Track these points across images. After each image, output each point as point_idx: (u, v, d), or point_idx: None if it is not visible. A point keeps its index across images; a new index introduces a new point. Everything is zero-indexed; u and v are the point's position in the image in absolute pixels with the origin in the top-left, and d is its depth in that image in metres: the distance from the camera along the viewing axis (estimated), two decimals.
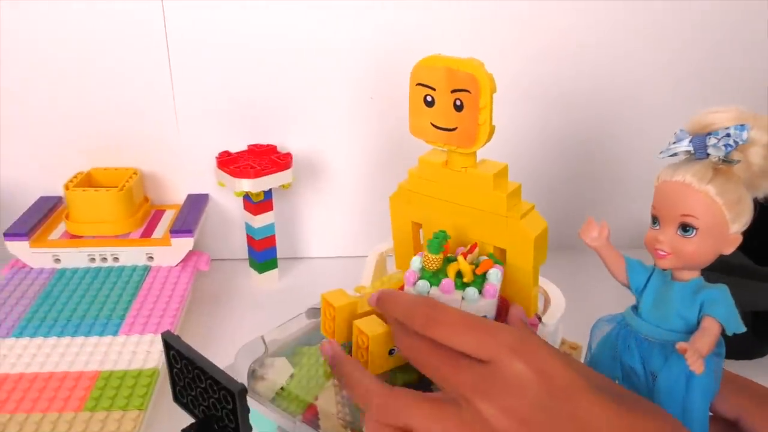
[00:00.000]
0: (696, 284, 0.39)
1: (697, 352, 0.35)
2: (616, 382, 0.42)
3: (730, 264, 0.61)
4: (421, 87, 0.48)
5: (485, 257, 0.49)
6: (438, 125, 0.48)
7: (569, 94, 0.70)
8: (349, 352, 0.46)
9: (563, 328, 0.52)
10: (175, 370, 0.34)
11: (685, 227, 0.37)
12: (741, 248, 0.62)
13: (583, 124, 0.72)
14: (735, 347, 0.59)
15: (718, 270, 0.59)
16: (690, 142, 0.37)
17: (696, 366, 0.34)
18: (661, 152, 0.38)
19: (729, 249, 0.38)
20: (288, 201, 0.74)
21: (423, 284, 0.46)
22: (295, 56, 0.68)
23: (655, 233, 0.38)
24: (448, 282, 0.46)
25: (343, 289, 0.49)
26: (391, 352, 0.45)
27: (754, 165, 0.36)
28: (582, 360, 0.48)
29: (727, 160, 0.36)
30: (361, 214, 0.75)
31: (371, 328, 0.44)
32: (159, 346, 0.55)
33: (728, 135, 0.36)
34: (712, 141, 0.36)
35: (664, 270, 0.40)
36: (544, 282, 0.53)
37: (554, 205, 0.73)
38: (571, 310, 0.52)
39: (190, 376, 0.33)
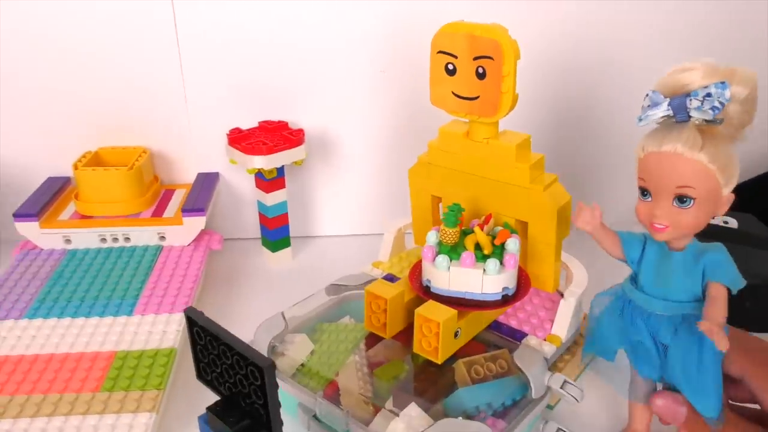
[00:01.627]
0: (694, 250, 0.38)
1: (720, 328, 0.34)
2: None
3: (751, 235, 0.60)
4: (442, 55, 0.47)
5: (500, 227, 0.48)
6: (459, 94, 0.47)
7: (593, 66, 0.68)
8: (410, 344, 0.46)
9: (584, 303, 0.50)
10: (198, 346, 0.33)
11: (681, 198, 0.36)
12: (762, 220, 0.61)
13: (605, 97, 0.70)
14: (756, 320, 0.58)
15: (745, 242, 0.58)
16: (669, 105, 0.36)
17: (722, 342, 0.33)
18: (639, 119, 0.37)
19: (723, 210, 0.37)
20: (300, 178, 0.73)
21: (443, 259, 0.45)
22: (304, 31, 0.67)
23: (649, 206, 0.37)
24: (468, 255, 0.45)
25: (383, 279, 0.48)
26: (456, 335, 0.44)
27: (734, 119, 0.35)
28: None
29: (710, 121, 0.35)
30: (375, 190, 0.74)
31: (437, 313, 0.43)
32: (175, 326, 0.54)
33: (709, 95, 0.34)
34: (694, 103, 0.35)
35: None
36: (565, 257, 0.52)
37: (576, 180, 0.72)
38: (593, 286, 0.51)
39: (215, 353, 0.32)
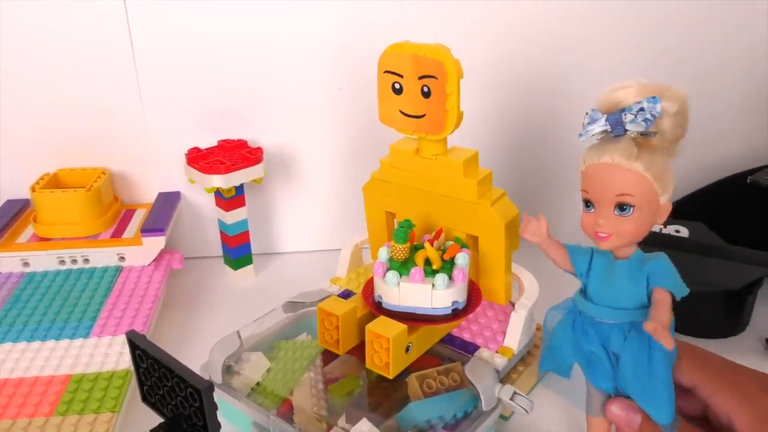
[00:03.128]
0: (638, 258, 0.39)
1: (664, 328, 0.35)
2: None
3: (702, 244, 0.61)
4: (389, 74, 0.48)
5: (451, 242, 0.49)
6: (407, 112, 0.48)
7: (539, 80, 0.70)
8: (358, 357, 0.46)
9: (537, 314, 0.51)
10: (141, 369, 0.33)
11: (621, 207, 0.37)
12: (713, 228, 0.62)
13: (552, 111, 0.71)
14: (708, 327, 0.60)
15: (695, 251, 0.59)
16: (606, 120, 0.37)
17: (668, 341, 0.35)
18: (579, 135, 0.38)
19: (662, 219, 0.39)
20: (261, 196, 0.73)
21: (392, 275, 0.46)
22: (263, 50, 0.67)
23: (592, 217, 0.38)
24: (417, 270, 0.46)
25: (336, 296, 0.48)
26: (407, 349, 0.45)
27: (667, 133, 0.37)
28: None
29: (645, 133, 0.37)
30: (335, 206, 0.74)
31: (387, 329, 0.44)
32: None
33: (642, 109, 0.36)
34: (628, 117, 0.36)
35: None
36: (516, 269, 0.53)
37: (525, 192, 0.73)
38: (546, 297, 0.52)
39: (157, 375, 0.32)
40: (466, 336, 0.50)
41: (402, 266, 0.47)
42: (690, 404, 0.40)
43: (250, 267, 0.71)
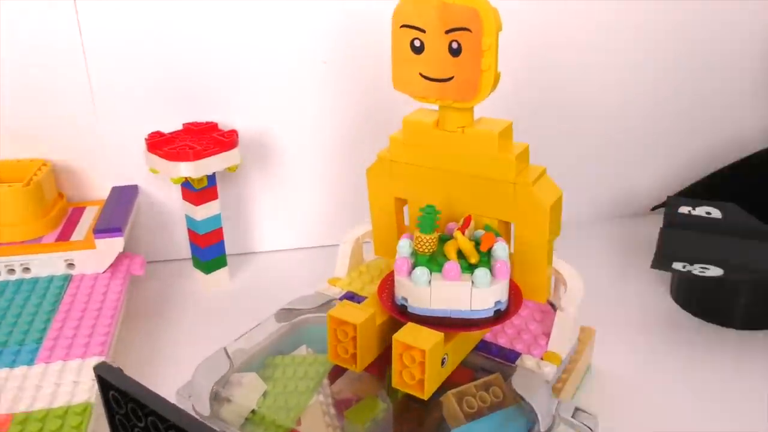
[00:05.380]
0: None
1: None
2: None
3: (738, 226, 0.55)
4: (406, 29, 0.39)
5: (482, 231, 0.41)
6: (429, 75, 0.40)
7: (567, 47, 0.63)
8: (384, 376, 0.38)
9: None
10: (118, 417, 0.24)
11: None
12: (745, 209, 0.57)
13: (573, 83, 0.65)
14: (747, 317, 0.54)
15: (731, 233, 0.54)
16: None
17: None
18: None
19: None
20: (235, 187, 0.64)
21: (421, 272, 0.37)
22: (232, 17, 0.58)
23: None
24: (452, 265, 0.37)
25: (347, 300, 0.40)
26: (442, 362, 0.37)
27: None
28: None
29: None
30: (321, 197, 0.65)
31: (420, 339, 0.35)
32: (90, 374, 0.44)
33: None
34: None
35: None
36: (554, 260, 0.45)
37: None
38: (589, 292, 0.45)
39: (142, 426, 0.23)
40: (502, 341, 0.42)
41: (431, 261, 0.38)
42: None
43: (224, 270, 0.61)
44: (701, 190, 0.66)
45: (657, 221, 0.58)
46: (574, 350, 0.44)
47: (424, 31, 0.39)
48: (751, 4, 0.65)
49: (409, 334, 0.36)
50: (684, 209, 0.57)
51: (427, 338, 0.35)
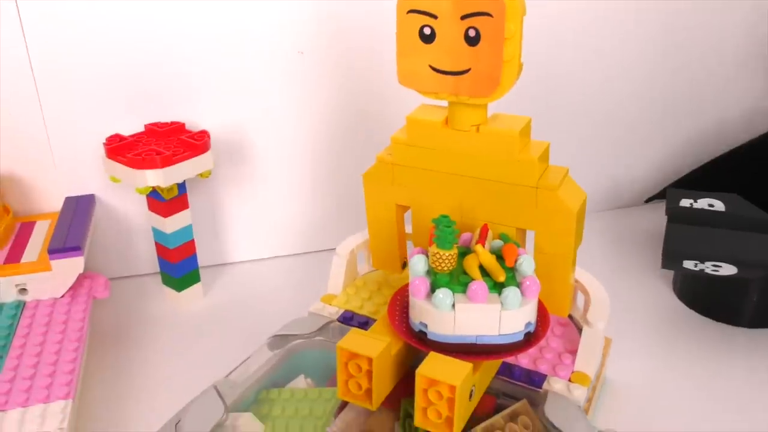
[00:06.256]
0: None
1: None
2: None
3: (743, 218, 0.53)
4: (415, 15, 0.34)
5: (501, 242, 0.37)
6: (441, 68, 0.35)
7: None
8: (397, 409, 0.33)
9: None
10: None
11: None
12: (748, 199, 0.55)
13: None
14: (755, 315, 0.52)
15: (736, 226, 0.51)
16: None
17: None
18: None
19: None
20: (206, 194, 0.58)
21: (445, 295, 0.33)
22: (196, 5, 0.52)
23: None
24: (479, 286, 0.33)
25: (356, 328, 0.35)
26: (470, 395, 0.32)
27: None
28: None
29: None
30: (300, 201, 0.60)
31: (448, 372, 0.31)
32: (56, 422, 0.38)
33: None
34: None
35: None
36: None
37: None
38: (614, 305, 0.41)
39: None
40: (524, 362, 0.39)
41: (452, 281, 0.34)
42: None
43: (197, 285, 0.55)
44: (697, 180, 0.64)
45: (652, 213, 0.55)
46: (599, 367, 0.41)
47: (435, 17, 0.34)
48: None
49: (434, 367, 0.31)
50: (685, 202, 0.54)
51: (456, 370, 0.31)
